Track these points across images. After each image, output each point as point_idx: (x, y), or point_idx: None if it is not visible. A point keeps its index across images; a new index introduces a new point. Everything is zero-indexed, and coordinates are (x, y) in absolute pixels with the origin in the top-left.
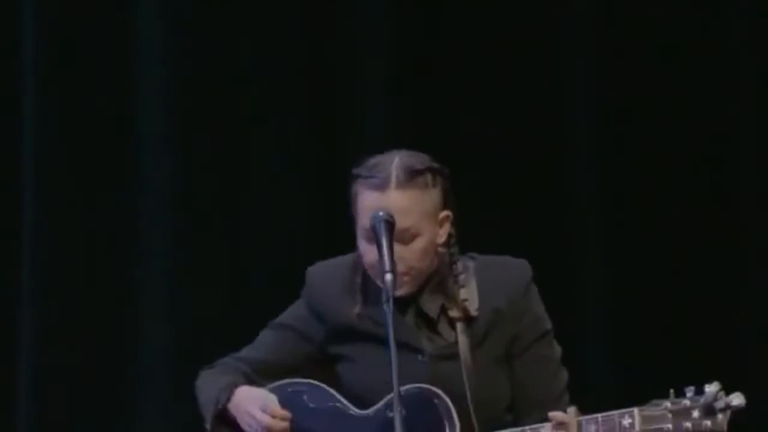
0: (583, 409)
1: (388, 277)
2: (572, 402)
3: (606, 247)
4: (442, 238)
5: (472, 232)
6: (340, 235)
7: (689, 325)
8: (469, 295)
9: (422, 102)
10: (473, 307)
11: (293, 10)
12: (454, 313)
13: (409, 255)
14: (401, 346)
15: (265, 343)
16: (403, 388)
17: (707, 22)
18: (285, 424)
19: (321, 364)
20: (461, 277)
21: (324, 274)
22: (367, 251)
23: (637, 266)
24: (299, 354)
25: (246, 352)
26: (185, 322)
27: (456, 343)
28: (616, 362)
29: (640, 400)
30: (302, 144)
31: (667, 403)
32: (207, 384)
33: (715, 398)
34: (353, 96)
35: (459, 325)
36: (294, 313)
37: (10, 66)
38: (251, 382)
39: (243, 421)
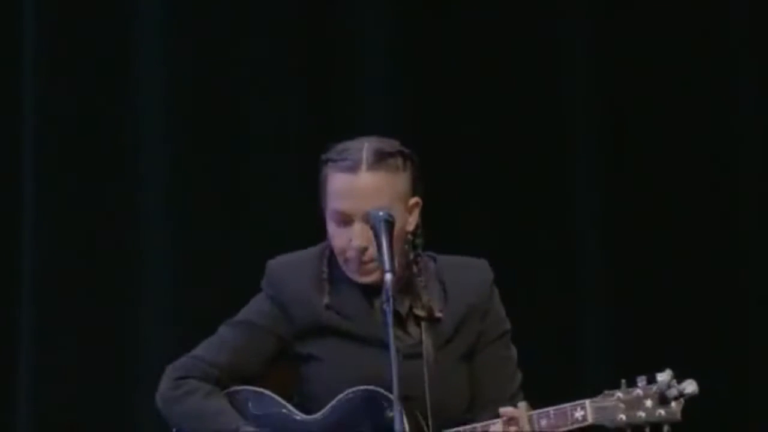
0: None
1: (388, 276)
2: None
3: (606, 247)
4: (411, 226)
5: (472, 232)
6: None
7: (689, 324)
8: (432, 296)
9: (422, 102)
10: (437, 308)
11: (293, 11)
12: (419, 312)
13: None
14: (373, 342)
15: (229, 342)
16: (351, 390)
17: (707, 22)
18: None
19: (284, 364)
20: (421, 279)
21: (288, 267)
22: (336, 234)
23: (637, 267)
24: (267, 353)
25: (210, 353)
26: (185, 322)
27: (420, 342)
28: (615, 362)
29: None
30: (302, 144)
31: (619, 394)
32: (190, 408)
33: (668, 386)
34: (353, 96)
35: (423, 325)
36: (257, 308)
37: (11, 66)
38: (224, 390)
39: None
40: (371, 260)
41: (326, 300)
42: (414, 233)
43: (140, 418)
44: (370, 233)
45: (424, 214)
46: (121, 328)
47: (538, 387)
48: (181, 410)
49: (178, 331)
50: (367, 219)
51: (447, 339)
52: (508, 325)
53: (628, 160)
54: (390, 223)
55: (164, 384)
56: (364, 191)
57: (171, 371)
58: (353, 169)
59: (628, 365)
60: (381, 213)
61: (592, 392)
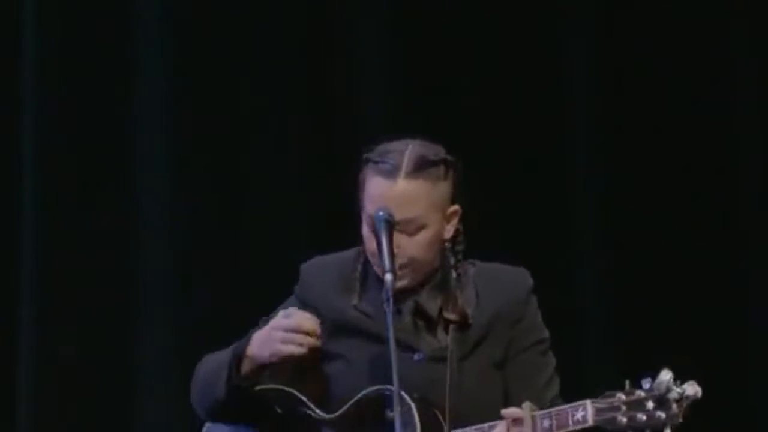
0: None
1: (388, 277)
2: None
3: (605, 249)
4: (449, 233)
5: (471, 233)
6: (339, 233)
7: (691, 328)
8: (466, 300)
9: (422, 102)
10: (469, 312)
11: (293, 11)
12: (450, 315)
13: (412, 247)
14: (397, 343)
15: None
16: (366, 390)
17: (707, 23)
18: (313, 320)
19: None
20: (459, 284)
21: (317, 269)
22: (369, 238)
23: (637, 271)
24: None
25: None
26: (185, 322)
27: (447, 347)
28: (616, 363)
29: None
30: (302, 143)
31: (621, 395)
32: (205, 366)
33: (668, 389)
34: (353, 96)
35: (452, 329)
36: (286, 307)
37: (11, 65)
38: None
39: (270, 346)
40: (402, 267)
41: (354, 300)
42: (454, 240)
43: (140, 418)
44: (402, 240)
45: None
46: (121, 328)
47: None
48: (197, 373)
49: (178, 331)
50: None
51: (475, 343)
52: (545, 334)
53: (628, 160)
54: (390, 223)
55: None
56: (399, 198)
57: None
58: (391, 174)
59: (628, 366)
60: (381, 213)
61: (593, 392)
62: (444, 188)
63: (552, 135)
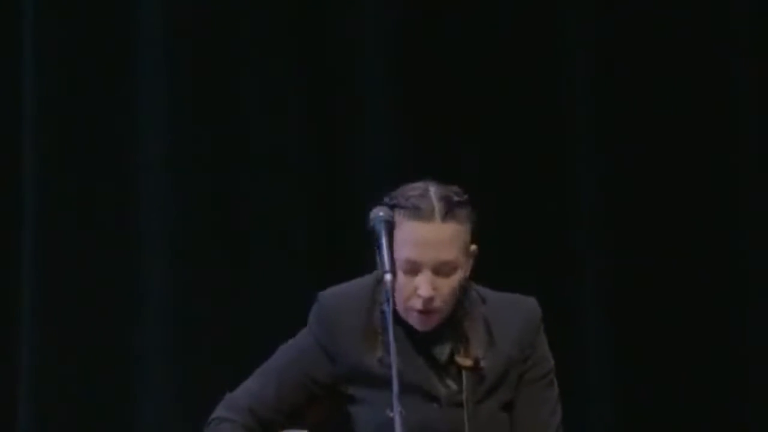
0: None
1: (388, 277)
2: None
3: (606, 247)
4: (468, 273)
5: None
6: (340, 236)
7: (689, 324)
8: (478, 342)
9: (422, 102)
10: (481, 355)
11: (292, 11)
12: (462, 359)
13: (447, 289)
14: (416, 390)
15: (270, 387)
16: None
17: (707, 23)
18: None
19: (328, 404)
20: (467, 324)
21: (341, 307)
22: (404, 282)
23: (637, 267)
24: (307, 398)
25: (248, 398)
26: (185, 322)
27: (461, 392)
28: (615, 367)
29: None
30: (302, 144)
31: None
32: None
33: None
34: (353, 96)
35: (465, 374)
36: (302, 350)
37: (10, 59)
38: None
39: None
40: (437, 310)
41: (379, 354)
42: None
43: (140, 418)
44: (439, 282)
45: None
46: (121, 329)
47: None
48: None
49: (177, 331)
50: (369, 221)
51: (491, 388)
52: (551, 364)
53: (628, 160)
54: (390, 223)
55: (213, 415)
56: (438, 241)
57: (220, 406)
58: (427, 217)
59: (628, 370)
60: (381, 213)
61: (595, 396)
62: (468, 229)
63: (552, 137)
